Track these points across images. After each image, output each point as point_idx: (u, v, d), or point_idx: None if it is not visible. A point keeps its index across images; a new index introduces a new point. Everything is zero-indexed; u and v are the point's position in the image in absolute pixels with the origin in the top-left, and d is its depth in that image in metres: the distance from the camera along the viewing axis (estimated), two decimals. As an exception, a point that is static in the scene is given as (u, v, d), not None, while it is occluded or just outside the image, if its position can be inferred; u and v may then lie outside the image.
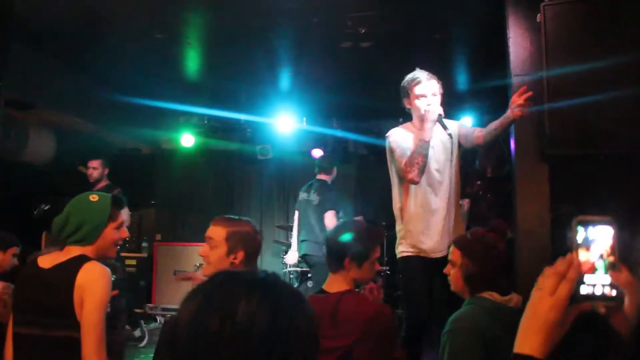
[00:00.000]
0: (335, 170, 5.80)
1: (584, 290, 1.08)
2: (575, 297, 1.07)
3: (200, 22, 4.55)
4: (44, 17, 4.20)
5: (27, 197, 4.74)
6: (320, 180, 5.67)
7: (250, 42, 4.75)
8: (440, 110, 3.34)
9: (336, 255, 2.34)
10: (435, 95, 3.42)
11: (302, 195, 5.66)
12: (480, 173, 5.41)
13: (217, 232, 2.38)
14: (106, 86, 5.47)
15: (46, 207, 4.88)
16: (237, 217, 2.48)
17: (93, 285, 2.07)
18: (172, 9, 4.15)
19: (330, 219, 5.27)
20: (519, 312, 2.16)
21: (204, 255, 2.40)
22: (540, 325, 1.06)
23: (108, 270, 2.15)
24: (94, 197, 2.29)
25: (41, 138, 5.50)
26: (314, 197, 5.48)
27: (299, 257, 5.62)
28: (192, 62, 5.47)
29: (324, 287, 2.38)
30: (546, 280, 1.08)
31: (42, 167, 5.51)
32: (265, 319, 0.93)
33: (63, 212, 2.22)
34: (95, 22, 4.39)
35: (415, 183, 3.36)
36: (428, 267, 3.33)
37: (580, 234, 1.09)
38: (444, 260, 2.49)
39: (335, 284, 2.34)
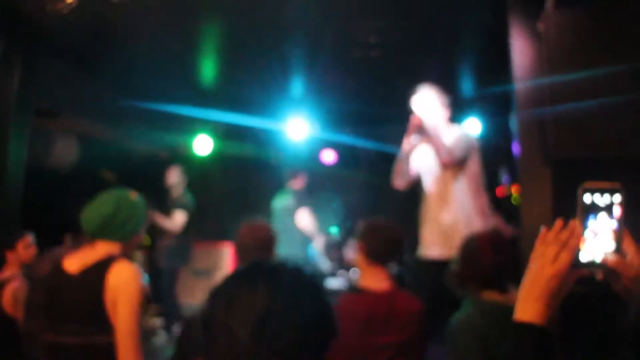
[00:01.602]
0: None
1: (584, 257, 1.08)
2: (575, 264, 1.07)
3: (216, 31, 4.70)
4: (67, 28, 4.36)
5: (51, 201, 4.91)
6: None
7: (264, 51, 4.88)
8: (422, 120, 3.41)
9: (386, 250, 2.41)
10: (426, 105, 3.52)
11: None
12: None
13: None
14: (126, 94, 5.63)
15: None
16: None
17: (125, 286, 1.99)
18: (189, 19, 4.30)
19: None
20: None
21: None
22: (541, 293, 1.06)
23: (139, 269, 2.07)
24: (134, 195, 2.25)
25: (65, 144, 5.68)
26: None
27: None
28: (208, 70, 5.63)
29: (364, 283, 2.40)
30: (547, 248, 1.09)
31: (66, 173, 5.70)
32: (284, 304, 0.95)
33: (105, 206, 2.13)
34: (115, 33, 4.55)
35: (399, 189, 3.46)
36: (430, 270, 3.43)
37: (587, 200, 1.09)
38: (444, 265, 2.52)
39: (378, 279, 2.39)
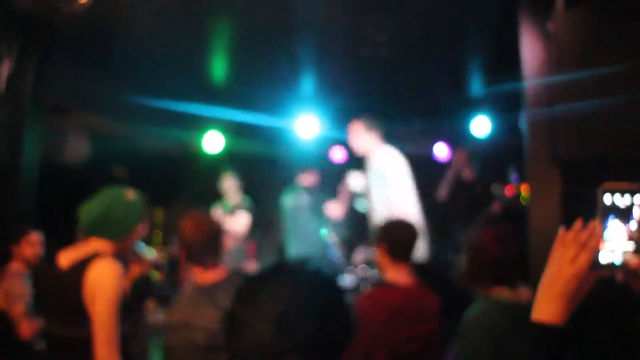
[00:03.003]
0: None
1: (604, 258, 1.06)
2: (595, 265, 1.06)
3: (226, 30, 4.74)
4: (80, 27, 4.41)
5: (64, 197, 4.97)
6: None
7: (274, 49, 4.91)
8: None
9: (409, 245, 2.48)
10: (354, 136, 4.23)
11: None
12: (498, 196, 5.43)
13: None
14: (137, 91, 5.69)
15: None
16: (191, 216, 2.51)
17: (102, 283, 2.04)
18: (200, 18, 4.34)
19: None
20: (528, 308, 2.26)
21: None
22: (560, 293, 1.05)
23: (118, 266, 2.12)
24: (131, 194, 2.28)
25: (77, 141, 5.74)
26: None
27: None
28: (219, 68, 5.67)
29: (390, 278, 2.46)
30: (566, 249, 1.07)
31: (78, 169, 5.76)
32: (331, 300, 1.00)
33: (98, 204, 2.18)
34: (127, 32, 4.60)
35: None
36: None
37: (607, 201, 1.07)
38: None
39: (402, 274, 2.46)
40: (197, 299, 2.27)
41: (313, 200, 5.51)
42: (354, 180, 4.27)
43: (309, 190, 5.64)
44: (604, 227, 1.07)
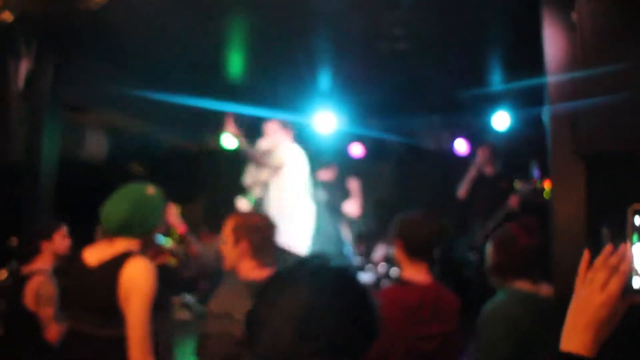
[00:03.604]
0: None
1: (637, 283, 0.98)
2: (627, 291, 0.97)
3: (243, 25, 4.72)
4: (97, 25, 4.43)
5: (83, 194, 5.02)
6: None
7: (291, 45, 4.88)
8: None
9: (427, 243, 2.43)
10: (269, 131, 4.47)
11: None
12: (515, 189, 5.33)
13: (226, 226, 2.48)
14: (154, 87, 5.71)
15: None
16: (247, 212, 2.59)
17: (138, 282, 2.04)
18: (217, 14, 4.33)
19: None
20: (549, 301, 2.27)
21: (221, 251, 2.49)
22: (589, 322, 0.97)
23: (152, 265, 2.13)
24: (151, 190, 2.27)
25: (95, 138, 5.79)
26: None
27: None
28: (236, 64, 5.66)
29: (407, 276, 2.42)
30: (596, 273, 0.99)
31: (96, 166, 5.81)
32: (341, 303, 0.95)
33: (124, 205, 2.16)
34: (143, 29, 4.60)
35: None
36: None
37: (637, 222, 0.99)
38: None
39: (419, 273, 2.40)
40: (241, 292, 2.30)
41: (330, 196, 5.47)
42: (247, 174, 4.52)
43: (325, 185, 5.60)
44: (635, 250, 0.99)
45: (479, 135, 6.70)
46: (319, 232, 5.45)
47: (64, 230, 3.38)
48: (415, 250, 2.44)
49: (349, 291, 1.00)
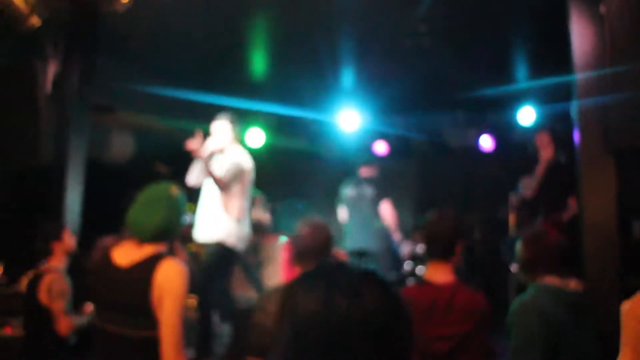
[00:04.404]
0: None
1: None
2: None
3: (266, 24, 4.73)
4: (123, 27, 4.49)
5: (109, 194, 5.09)
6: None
7: (315, 43, 4.88)
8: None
9: (448, 242, 2.39)
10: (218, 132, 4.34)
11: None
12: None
13: None
14: (178, 88, 5.76)
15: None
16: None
17: (172, 283, 2.04)
18: (240, 12, 4.35)
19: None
20: (578, 294, 2.30)
21: None
22: None
23: (185, 267, 2.12)
24: (176, 191, 2.25)
25: (121, 139, 5.87)
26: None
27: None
28: (259, 63, 5.68)
29: (428, 276, 2.40)
30: None
31: (121, 166, 5.88)
32: (386, 306, 0.91)
33: (155, 212, 2.15)
34: (168, 30, 4.66)
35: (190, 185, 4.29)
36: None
37: None
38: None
39: (440, 272, 2.38)
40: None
41: (374, 190, 5.47)
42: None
43: (369, 181, 5.58)
44: None
45: (504, 132, 6.60)
46: (362, 225, 5.47)
47: (68, 229, 3.50)
48: (434, 249, 2.42)
49: (383, 298, 0.95)
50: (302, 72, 5.74)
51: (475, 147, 6.90)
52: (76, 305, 3.33)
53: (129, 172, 5.94)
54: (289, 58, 5.43)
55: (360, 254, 5.51)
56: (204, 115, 6.38)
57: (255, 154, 7.53)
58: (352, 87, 6.14)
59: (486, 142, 6.84)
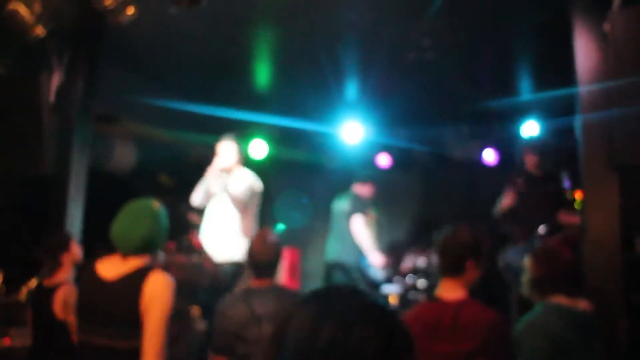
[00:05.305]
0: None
1: None
2: None
3: (270, 36, 4.75)
4: (127, 38, 4.51)
5: (111, 204, 5.09)
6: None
7: (318, 55, 4.89)
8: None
9: (458, 258, 2.35)
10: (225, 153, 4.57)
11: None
12: (523, 170, 5.08)
13: None
14: (182, 99, 5.78)
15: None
16: None
17: (159, 295, 2.10)
18: (243, 24, 4.37)
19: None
20: (587, 314, 2.27)
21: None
22: None
23: (172, 280, 2.18)
24: (157, 206, 2.32)
25: (125, 149, 5.86)
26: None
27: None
28: (263, 74, 5.69)
29: (439, 292, 2.37)
30: None
31: (124, 177, 5.88)
32: (378, 342, 0.88)
33: (139, 226, 2.21)
34: (172, 41, 4.68)
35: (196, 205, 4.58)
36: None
37: None
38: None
39: (450, 289, 2.34)
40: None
41: (359, 209, 5.45)
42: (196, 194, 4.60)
43: (360, 199, 5.57)
44: None
45: (507, 145, 6.58)
46: (348, 241, 5.43)
47: (74, 239, 3.49)
48: (444, 265, 2.38)
49: (377, 322, 0.92)
50: (306, 84, 5.75)
51: (479, 160, 6.88)
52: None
53: (132, 183, 5.94)
54: (293, 70, 5.44)
55: (335, 265, 5.53)
56: (208, 127, 6.41)
57: (258, 165, 7.58)
58: (356, 100, 6.14)
59: (489, 156, 6.82)
